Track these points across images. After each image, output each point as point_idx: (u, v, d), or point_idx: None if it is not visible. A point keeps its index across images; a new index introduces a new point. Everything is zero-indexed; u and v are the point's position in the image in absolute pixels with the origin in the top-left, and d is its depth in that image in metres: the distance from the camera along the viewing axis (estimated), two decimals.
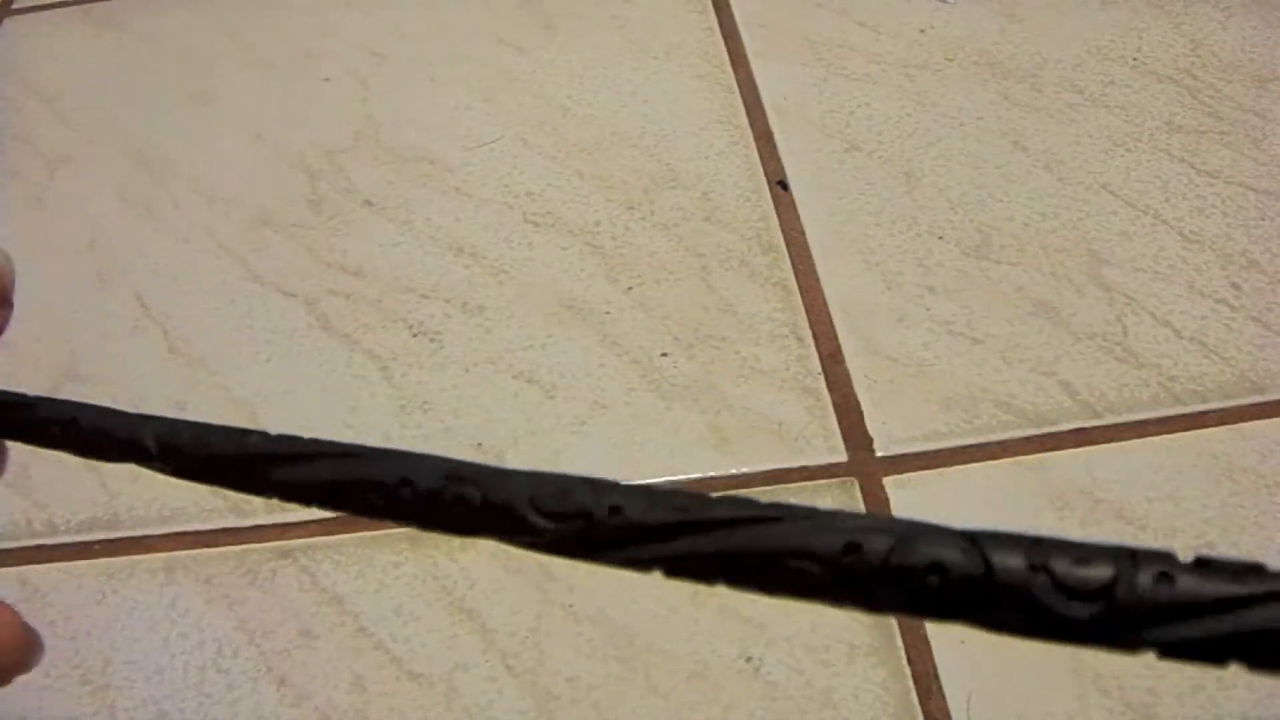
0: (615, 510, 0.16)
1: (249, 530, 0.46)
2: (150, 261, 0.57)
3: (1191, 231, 0.53)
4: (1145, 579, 0.14)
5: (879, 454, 0.46)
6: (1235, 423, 0.46)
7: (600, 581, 0.43)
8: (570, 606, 0.43)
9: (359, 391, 0.50)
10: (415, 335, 0.52)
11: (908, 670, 0.40)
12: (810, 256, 0.53)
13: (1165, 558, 0.14)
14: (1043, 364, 0.48)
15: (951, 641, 0.41)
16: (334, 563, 0.45)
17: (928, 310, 0.51)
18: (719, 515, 0.16)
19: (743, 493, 0.45)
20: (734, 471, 0.46)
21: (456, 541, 0.45)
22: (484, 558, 0.44)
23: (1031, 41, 0.63)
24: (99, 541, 0.47)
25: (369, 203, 0.58)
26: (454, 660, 0.42)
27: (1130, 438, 0.46)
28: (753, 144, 0.59)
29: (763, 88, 0.62)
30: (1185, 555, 0.15)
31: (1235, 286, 0.50)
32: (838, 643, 0.41)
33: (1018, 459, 0.45)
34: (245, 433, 0.19)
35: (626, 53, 0.65)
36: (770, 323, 0.51)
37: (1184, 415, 0.46)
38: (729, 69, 0.63)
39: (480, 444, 0.48)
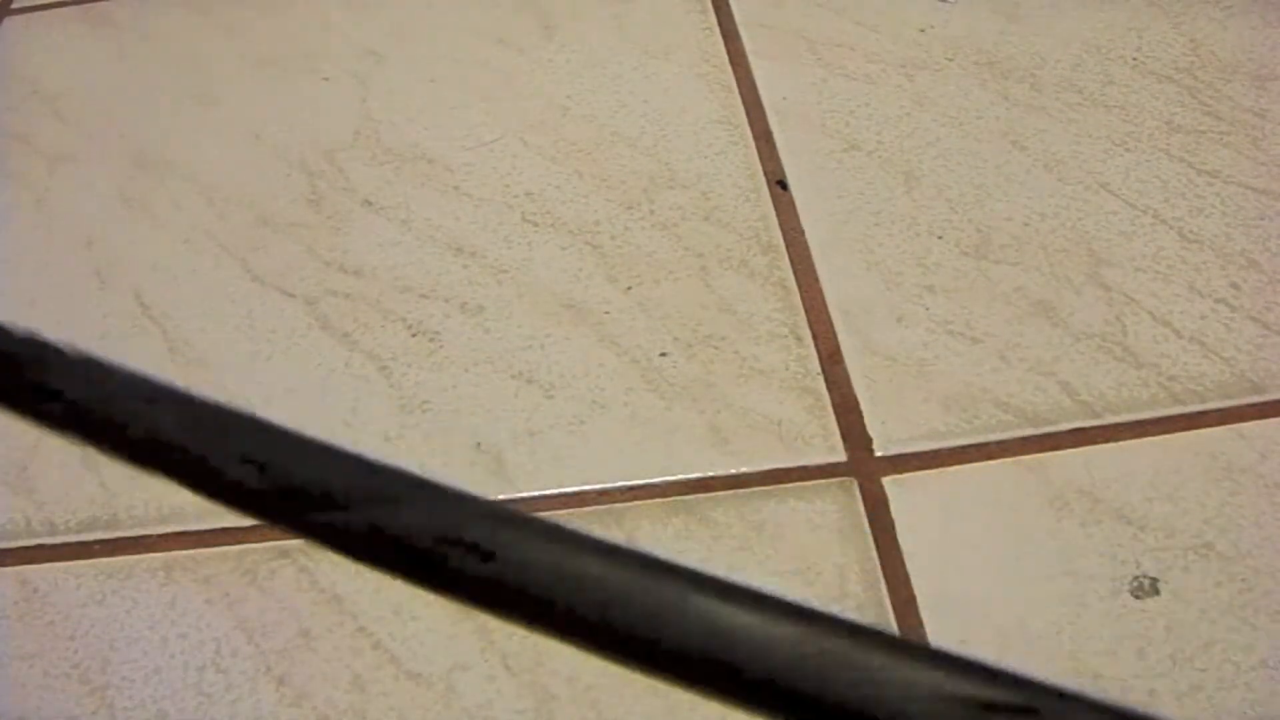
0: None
1: (248, 530, 0.46)
2: (150, 261, 0.57)
3: (1191, 231, 0.53)
4: None
5: (878, 454, 0.46)
6: (1235, 423, 0.46)
7: None
8: None
9: (359, 391, 0.50)
10: (415, 335, 0.52)
11: None
12: (810, 256, 0.53)
13: None
14: (1042, 364, 0.48)
15: (951, 642, 0.41)
16: (332, 562, 0.45)
17: (927, 310, 0.51)
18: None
19: (742, 492, 0.46)
20: (733, 471, 0.46)
21: None
22: None
23: (1031, 41, 0.63)
24: (99, 541, 0.47)
25: (368, 202, 0.58)
26: (453, 660, 0.42)
27: (1129, 438, 0.46)
28: (752, 144, 0.59)
29: (762, 88, 0.62)
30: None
31: (1235, 286, 0.50)
32: None
33: (1017, 459, 0.45)
34: None
35: (626, 53, 0.65)
36: (770, 323, 0.51)
37: (1183, 415, 0.46)
38: (729, 69, 0.63)
39: (479, 444, 0.48)
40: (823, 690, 0.13)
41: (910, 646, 0.13)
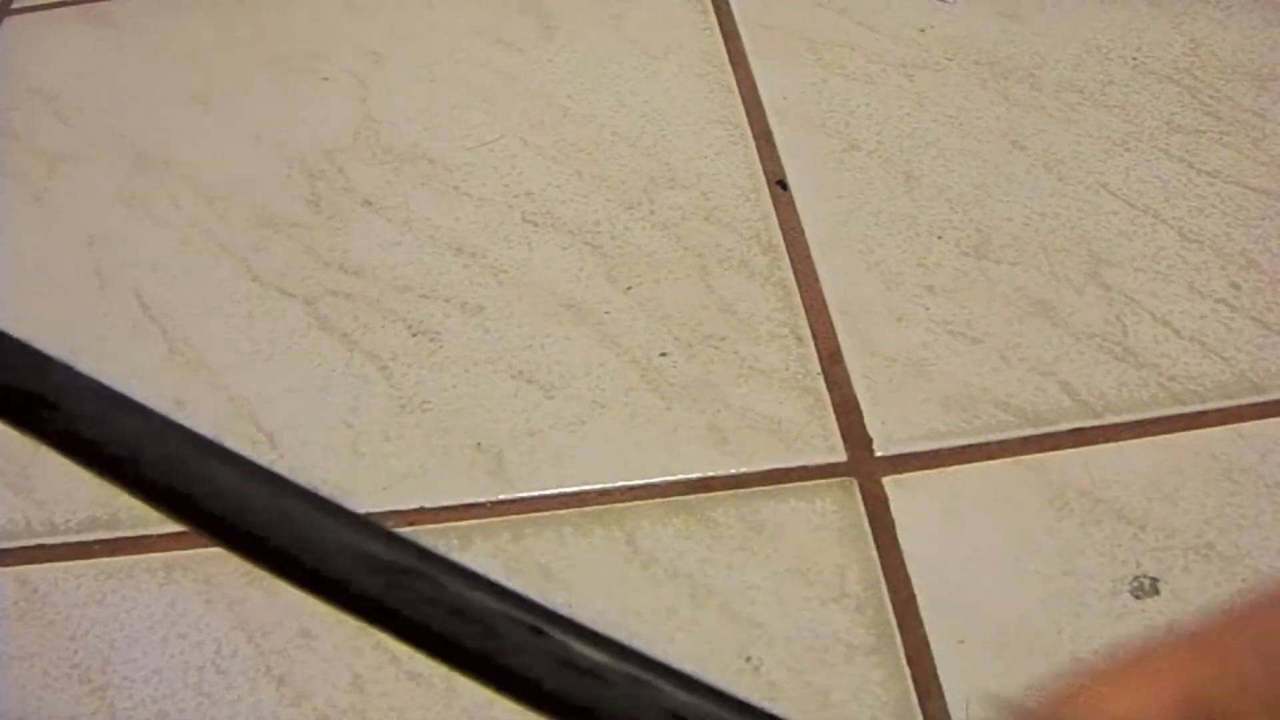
0: None
1: None
2: (150, 261, 0.57)
3: (1191, 231, 0.53)
4: None
5: (878, 454, 0.46)
6: (1235, 423, 0.46)
7: (600, 581, 0.43)
8: (570, 606, 0.43)
9: (359, 391, 0.50)
10: (415, 335, 0.52)
11: (907, 670, 0.40)
12: (810, 256, 0.53)
13: None
14: (1042, 364, 0.48)
15: (951, 642, 0.41)
16: None
17: (927, 310, 0.51)
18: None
19: (743, 492, 0.46)
20: (733, 471, 0.46)
21: (456, 541, 0.45)
22: (483, 558, 0.44)
23: (1031, 41, 0.63)
24: (99, 541, 0.47)
25: (368, 202, 0.58)
26: None
27: (1129, 438, 0.46)
28: (752, 144, 0.59)
29: (763, 88, 0.62)
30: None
31: (1235, 286, 0.50)
32: (837, 643, 0.41)
33: (1017, 459, 0.45)
34: None
35: (626, 53, 0.65)
36: (770, 323, 0.51)
37: (1183, 415, 0.46)
38: (729, 69, 0.63)
39: (480, 444, 0.48)
40: (277, 542, 0.17)
41: (342, 512, 0.17)
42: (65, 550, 0.47)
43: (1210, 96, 0.59)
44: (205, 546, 0.46)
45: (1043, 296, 0.51)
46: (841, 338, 0.50)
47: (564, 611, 0.16)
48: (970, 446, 0.46)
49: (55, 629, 0.44)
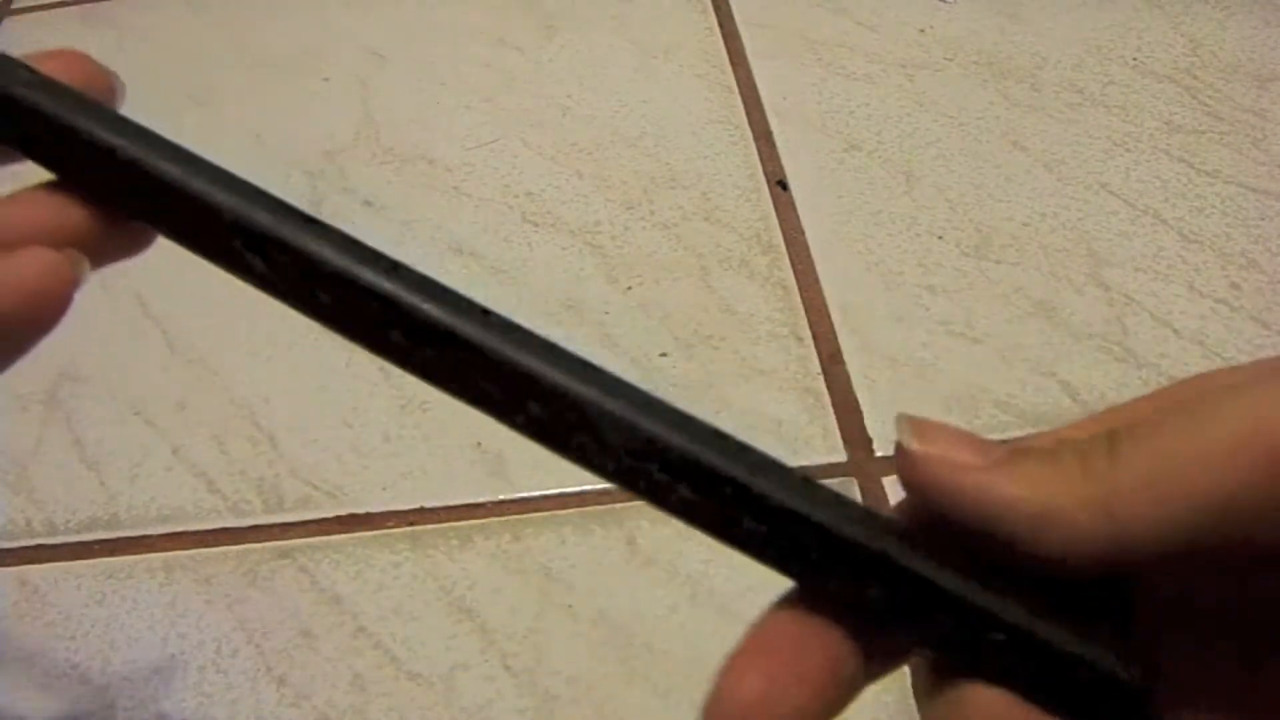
0: None
1: (248, 530, 0.46)
2: (150, 262, 0.57)
3: (1191, 231, 0.53)
4: None
5: (878, 454, 0.46)
6: None
7: (600, 581, 0.43)
8: (570, 606, 0.43)
9: (359, 391, 0.50)
10: None
11: (907, 671, 0.40)
12: (810, 256, 0.53)
13: None
14: (1042, 364, 0.48)
15: None
16: (333, 563, 0.45)
17: (927, 310, 0.51)
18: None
19: None
20: None
21: (456, 541, 0.45)
22: (484, 558, 0.44)
23: (1031, 41, 0.63)
24: (99, 541, 0.47)
25: (369, 203, 0.58)
26: (453, 660, 0.42)
27: None
28: (752, 144, 0.59)
29: (763, 88, 0.62)
30: None
31: (1235, 286, 0.50)
32: None
33: None
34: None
35: (626, 53, 0.65)
36: (770, 323, 0.51)
37: None
38: (729, 69, 0.63)
39: (480, 443, 0.48)
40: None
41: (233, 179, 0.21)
42: (65, 550, 0.47)
43: (1210, 96, 0.59)
44: (205, 546, 0.46)
45: (1043, 296, 0.51)
46: (841, 338, 0.50)
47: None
48: None
49: (55, 629, 0.44)
